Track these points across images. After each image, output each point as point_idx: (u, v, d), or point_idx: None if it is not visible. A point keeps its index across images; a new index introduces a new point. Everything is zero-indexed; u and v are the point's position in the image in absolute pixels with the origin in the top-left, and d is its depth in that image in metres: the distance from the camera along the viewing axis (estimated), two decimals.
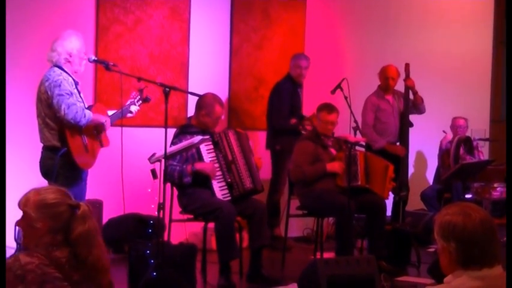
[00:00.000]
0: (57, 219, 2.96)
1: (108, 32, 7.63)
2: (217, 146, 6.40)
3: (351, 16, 9.44)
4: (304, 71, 8.17)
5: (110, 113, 5.86)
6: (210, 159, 6.35)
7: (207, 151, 6.35)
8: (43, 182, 5.53)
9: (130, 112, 5.94)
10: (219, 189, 6.33)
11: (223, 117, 7.01)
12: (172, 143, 6.30)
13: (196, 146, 6.22)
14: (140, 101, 5.95)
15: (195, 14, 8.15)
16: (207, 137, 6.32)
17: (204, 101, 6.49)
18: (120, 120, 5.90)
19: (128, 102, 5.93)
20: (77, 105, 5.49)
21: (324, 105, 7.10)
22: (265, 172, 7.81)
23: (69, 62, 5.66)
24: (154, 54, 7.91)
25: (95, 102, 6.96)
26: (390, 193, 8.10)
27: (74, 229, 2.96)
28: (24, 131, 6.81)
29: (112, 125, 5.83)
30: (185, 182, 6.25)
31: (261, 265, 6.46)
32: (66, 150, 5.50)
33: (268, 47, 8.71)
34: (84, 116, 5.48)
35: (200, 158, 6.32)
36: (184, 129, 6.48)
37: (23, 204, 3.01)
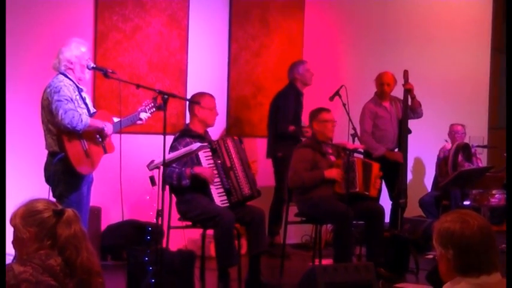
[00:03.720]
0: (43, 225, 2.97)
1: (107, 39, 7.64)
2: (215, 153, 6.41)
3: (349, 23, 9.46)
4: (311, 71, 8.28)
5: (116, 120, 5.84)
6: (209, 165, 6.36)
7: (205, 158, 6.36)
8: (46, 188, 5.54)
9: (140, 119, 5.90)
10: (217, 195, 6.34)
11: (223, 125, 7.06)
12: (172, 147, 6.34)
13: (195, 153, 6.23)
14: (153, 109, 5.93)
15: (193, 21, 8.17)
16: (206, 144, 6.32)
17: (194, 98, 6.54)
18: (129, 127, 5.91)
19: (139, 110, 5.92)
20: (75, 111, 5.49)
21: (319, 108, 7.17)
22: (266, 179, 7.83)
23: (70, 69, 5.66)
24: (152, 61, 7.93)
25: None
26: (388, 200, 8.14)
27: (61, 234, 2.97)
28: (28, 138, 6.83)
29: (120, 131, 5.81)
30: (183, 184, 6.25)
31: (260, 272, 6.46)
32: (63, 156, 5.50)
33: (267, 55, 8.73)
34: (81, 121, 5.46)
35: (199, 164, 6.33)
36: (184, 133, 6.51)
37: (12, 219, 3.04)
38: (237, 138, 6.69)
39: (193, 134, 6.48)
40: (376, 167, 7.14)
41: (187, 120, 7.41)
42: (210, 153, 6.40)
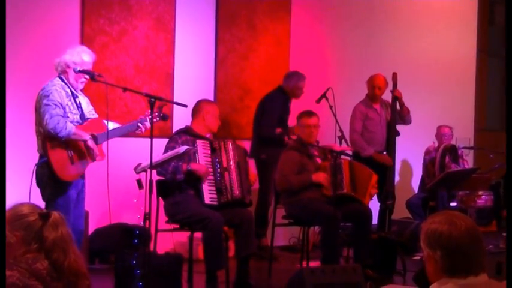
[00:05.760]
0: (29, 229, 2.96)
1: (93, 42, 7.61)
2: (214, 152, 6.47)
3: (335, 26, 9.48)
4: (303, 89, 8.25)
5: (111, 125, 5.80)
6: (205, 163, 6.40)
7: (203, 155, 6.41)
8: (37, 190, 5.53)
9: (140, 128, 5.81)
10: (208, 192, 6.36)
11: None
12: (171, 139, 6.45)
13: (181, 157, 6.23)
14: (157, 118, 5.81)
15: (180, 24, 8.16)
16: (191, 147, 6.33)
17: (202, 103, 6.70)
18: (127, 134, 5.89)
19: (139, 118, 5.83)
20: (61, 117, 5.45)
21: (303, 111, 7.23)
22: None
23: (66, 72, 5.64)
24: (139, 64, 7.91)
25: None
26: (376, 202, 8.15)
27: (48, 236, 2.97)
28: (16, 141, 6.79)
29: (115, 137, 5.77)
30: (177, 178, 6.29)
31: (248, 274, 6.47)
32: (45, 161, 5.47)
33: (254, 57, 8.73)
34: (65, 129, 5.41)
35: (195, 160, 6.37)
36: (185, 130, 6.55)
37: None
38: (241, 147, 6.81)
39: (193, 133, 6.52)
40: (374, 177, 7.15)
41: (175, 123, 7.43)
42: (209, 151, 6.46)
